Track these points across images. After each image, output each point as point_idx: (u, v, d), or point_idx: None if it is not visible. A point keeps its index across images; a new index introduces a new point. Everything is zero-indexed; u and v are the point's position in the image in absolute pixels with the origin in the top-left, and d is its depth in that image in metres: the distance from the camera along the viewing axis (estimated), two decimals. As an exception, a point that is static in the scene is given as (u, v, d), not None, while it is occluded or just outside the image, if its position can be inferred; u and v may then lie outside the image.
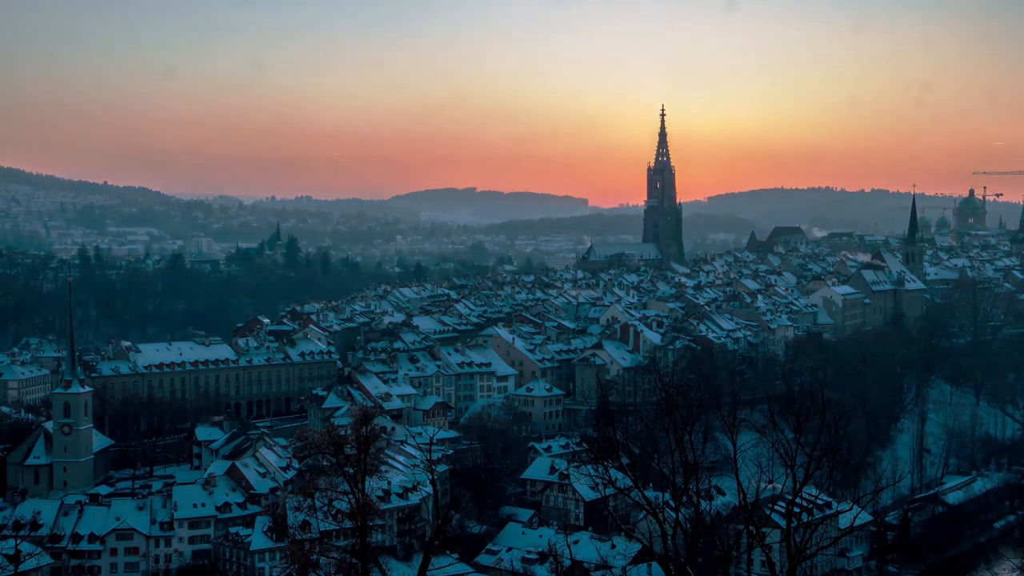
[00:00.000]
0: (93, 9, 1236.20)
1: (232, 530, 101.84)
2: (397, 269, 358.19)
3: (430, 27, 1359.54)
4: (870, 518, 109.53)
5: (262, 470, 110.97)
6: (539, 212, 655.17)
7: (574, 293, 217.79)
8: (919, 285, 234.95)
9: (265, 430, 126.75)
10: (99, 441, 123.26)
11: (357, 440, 47.02)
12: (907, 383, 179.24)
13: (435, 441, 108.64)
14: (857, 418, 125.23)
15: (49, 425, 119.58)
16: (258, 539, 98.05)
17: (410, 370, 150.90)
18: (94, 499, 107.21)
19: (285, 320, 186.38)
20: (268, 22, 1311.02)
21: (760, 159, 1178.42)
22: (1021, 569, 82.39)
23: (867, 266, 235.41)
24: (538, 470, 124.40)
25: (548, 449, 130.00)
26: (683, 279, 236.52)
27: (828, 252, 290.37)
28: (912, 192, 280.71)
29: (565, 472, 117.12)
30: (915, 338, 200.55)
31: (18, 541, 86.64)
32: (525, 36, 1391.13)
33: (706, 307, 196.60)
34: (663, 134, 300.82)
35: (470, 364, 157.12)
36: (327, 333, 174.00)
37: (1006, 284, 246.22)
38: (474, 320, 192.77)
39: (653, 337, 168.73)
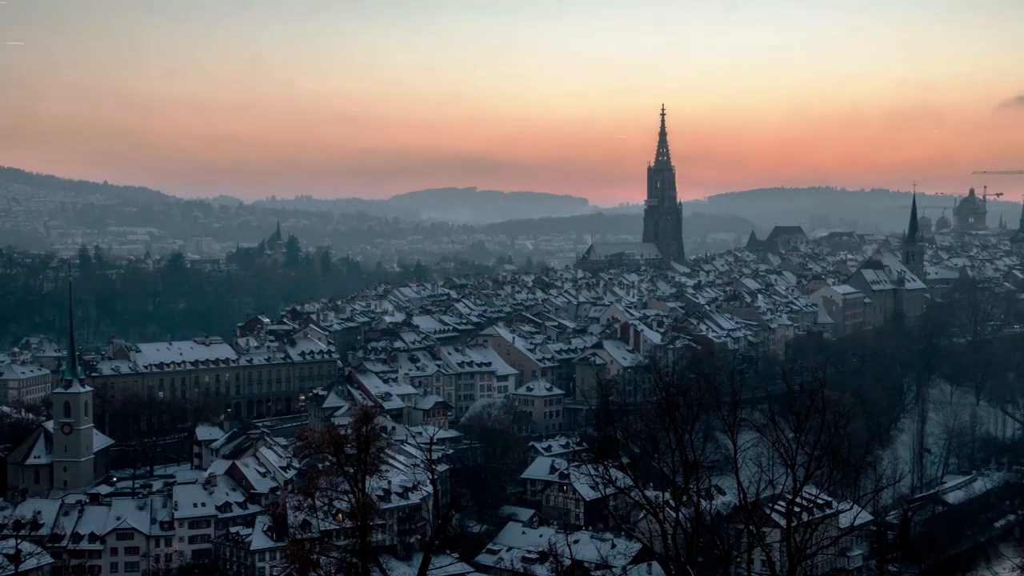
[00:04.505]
0: (93, 9, 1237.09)
1: (232, 530, 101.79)
2: (397, 268, 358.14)
3: (430, 27, 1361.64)
4: (870, 518, 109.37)
5: (262, 470, 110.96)
6: (539, 212, 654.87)
7: (574, 293, 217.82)
8: (919, 284, 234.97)
9: (265, 430, 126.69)
10: (99, 441, 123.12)
11: (357, 440, 47.07)
12: (907, 382, 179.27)
13: (435, 441, 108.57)
14: (857, 418, 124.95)
15: (49, 425, 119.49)
16: (258, 539, 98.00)
17: (410, 369, 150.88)
18: (94, 499, 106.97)
19: (285, 320, 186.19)
20: (268, 22, 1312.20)
21: (760, 159, 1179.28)
22: (1021, 568, 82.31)
23: (867, 265, 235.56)
24: (538, 470, 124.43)
25: (548, 449, 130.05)
26: (683, 278, 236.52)
27: (828, 252, 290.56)
28: (912, 192, 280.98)
29: (565, 472, 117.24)
30: (915, 337, 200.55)
31: (18, 541, 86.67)
32: (525, 36, 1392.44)
33: (706, 307, 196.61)
34: (663, 134, 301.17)
35: (470, 364, 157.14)
36: (327, 333, 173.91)
37: (1006, 283, 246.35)
38: (474, 320, 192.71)
39: (653, 336, 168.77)
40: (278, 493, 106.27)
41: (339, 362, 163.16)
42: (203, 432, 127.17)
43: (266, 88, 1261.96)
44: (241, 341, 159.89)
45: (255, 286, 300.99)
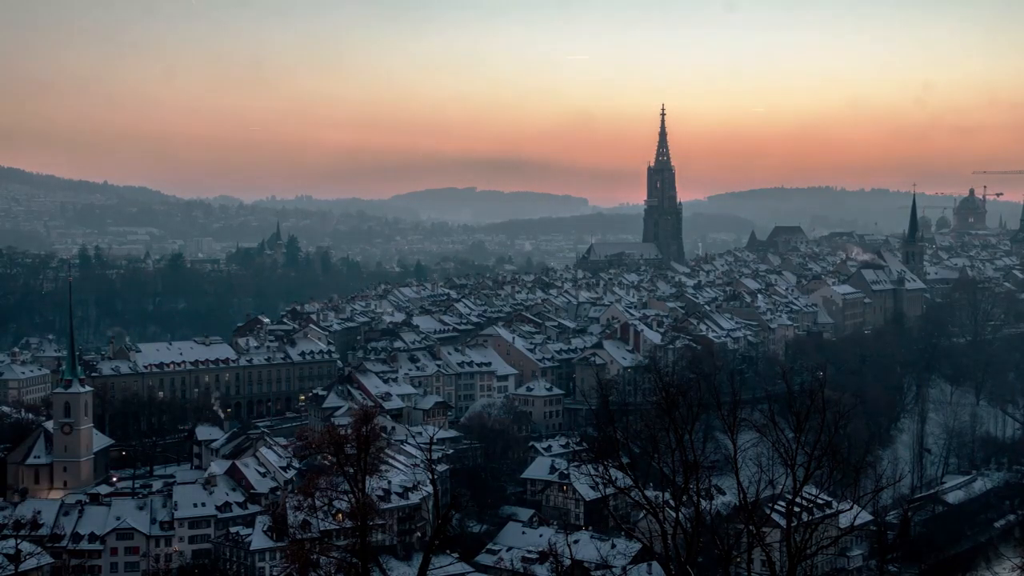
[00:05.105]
0: (93, 9, 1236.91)
1: (232, 530, 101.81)
2: (397, 268, 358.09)
3: (430, 27, 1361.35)
4: (870, 518, 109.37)
5: (262, 470, 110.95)
6: (539, 212, 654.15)
7: (574, 293, 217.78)
8: (919, 284, 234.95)
9: (265, 430, 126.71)
10: (99, 441, 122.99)
11: (357, 440, 47.06)
12: (907, 382, 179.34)
13: (435, 441, 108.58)
14: (857, 417, 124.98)
15: (49, 425, 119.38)
16: (258, 539, 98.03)
17: (410, 369, 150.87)
18: (94, 499, 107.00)
19: (285, 320, 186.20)
20: (269, 22, 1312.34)
21: (760, 159, 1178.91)
22: (1021, 568, 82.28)
23: (867, 265, 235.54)
24: (538, 470, 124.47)
25: (548, 449, 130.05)
26: (683, 278, 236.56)
27: (828, 252, 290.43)
28: (912, 192, 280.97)
29: (565, 472, 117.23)
30: (915, 337, 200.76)
31: (18, 541, 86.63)
32: (525, 36, 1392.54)
33: (706, 306, 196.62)
34: (663, 134, 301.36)
35: (470, 364, 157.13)
36: (327, 333, 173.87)
37: (1006, 283, 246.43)
38: (474, 320, 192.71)
39: (653, 336, 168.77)
40: (278, 493, 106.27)
41: (339, 362, 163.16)
42: (203, 432, 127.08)
43: (266, 88, 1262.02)
44: (241, 341, 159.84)
45: (255, 286, 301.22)
